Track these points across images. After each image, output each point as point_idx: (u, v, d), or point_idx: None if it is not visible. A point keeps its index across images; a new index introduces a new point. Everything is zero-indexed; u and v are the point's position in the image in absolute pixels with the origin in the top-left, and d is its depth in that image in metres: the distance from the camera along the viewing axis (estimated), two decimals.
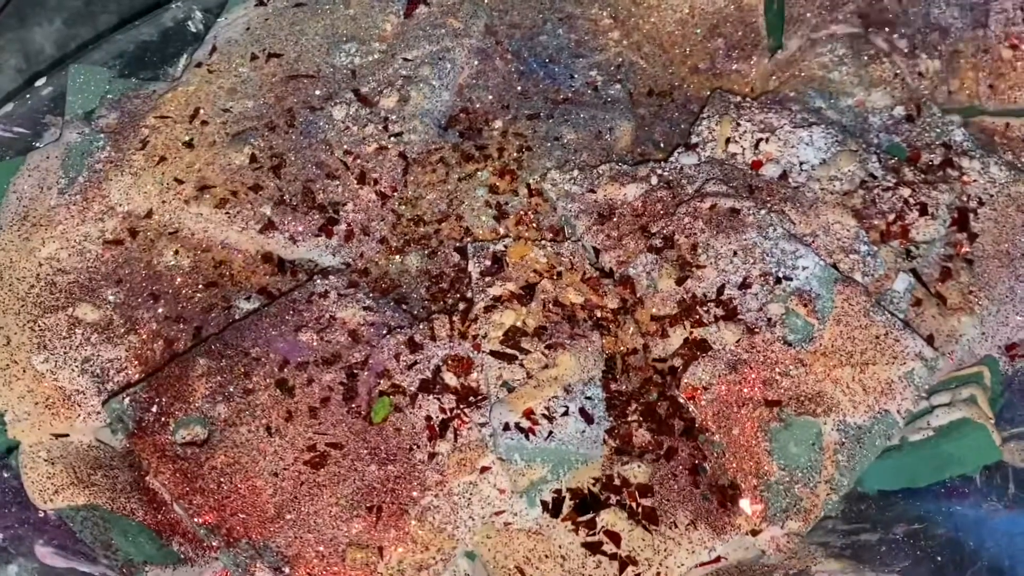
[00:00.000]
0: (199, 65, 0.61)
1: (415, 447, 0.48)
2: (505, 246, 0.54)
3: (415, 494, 0.47)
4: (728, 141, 0.59)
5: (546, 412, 0.48)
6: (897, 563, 0.49)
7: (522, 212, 0.58)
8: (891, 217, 0.56)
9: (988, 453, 0.51)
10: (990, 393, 0.53)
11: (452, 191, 0.59)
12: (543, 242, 0.55)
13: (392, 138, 0.59)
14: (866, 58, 0.62)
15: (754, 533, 0.49)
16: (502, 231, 0.57)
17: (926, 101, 0.61)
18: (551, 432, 0.48)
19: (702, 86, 0.65)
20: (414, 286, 0.56)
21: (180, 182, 0.56)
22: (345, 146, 0.58)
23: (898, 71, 0.62)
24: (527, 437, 0.47)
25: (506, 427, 0.48)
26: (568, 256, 0.54)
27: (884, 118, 0.61)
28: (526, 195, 0.58)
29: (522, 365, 0.50)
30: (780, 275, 0.52)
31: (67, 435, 0.51)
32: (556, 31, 0.66)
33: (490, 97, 0.62)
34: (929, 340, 0.53)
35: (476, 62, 0.63)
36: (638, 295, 0.54)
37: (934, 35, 0.64)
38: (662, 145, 0.63)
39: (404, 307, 0.55)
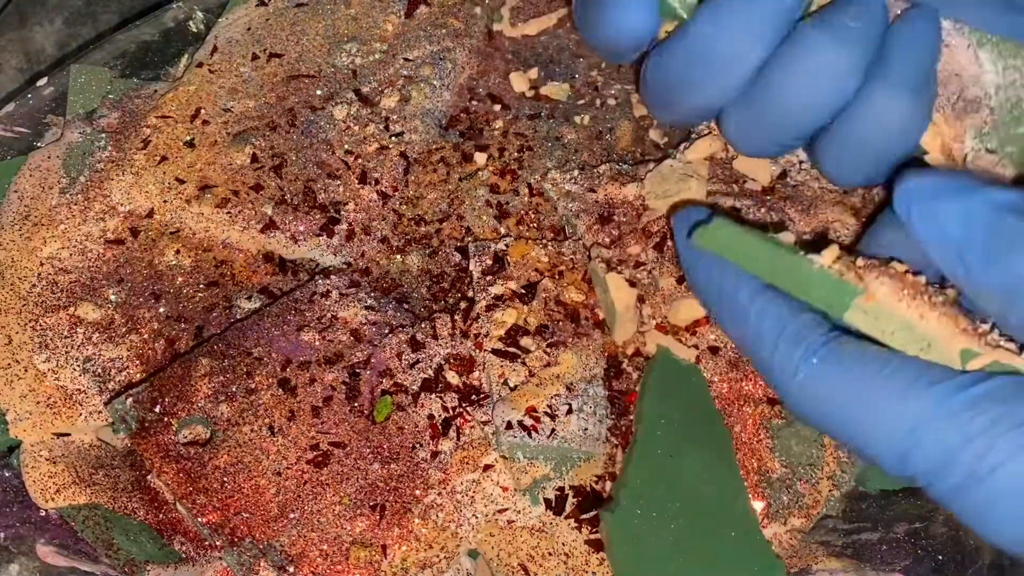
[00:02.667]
0: (200, 65, 0.61)
1: (418, 446, 0.48)
2: (506, 245, 0.54)
3: (418, 492, 0.47)
4: None
5: (548, 410, 0.48)
6: (898, 562, 0.49)
7: (523, 211, 0.58)
8: None
9: None
10: None
11: (453, 191, 0.59)
12: (544, 241, 0.55)
13: (393, 138, 0.59)
14: None
15: None
16: (503, 230, 0.57)
17: None
18: (553, 430, 0.48)
19: None
20: (415, 285, 0.56)
21: (181, 181, 0.56)
22: (346, 146, 0.59)
23: None
24: (529, 435, 0.47)
25: (508, 425, 0.48)
26: (569, 255, 0.54)
27: None
28: (527, 195, 0.58)
29: (524, 363, 0.50)
30: None
31: (68, 434, 0.51)
32: (556, 31, 0.66)
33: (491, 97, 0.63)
34: None
35: (477, 62, 0.63)
36: (639, 294, 0.54)
37: None
38: (662, 145, 0.63)
39: (406, 306, 0.55)
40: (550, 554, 0.47)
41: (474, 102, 0.62)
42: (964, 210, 0.36)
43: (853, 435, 0.38)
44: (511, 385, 0.49)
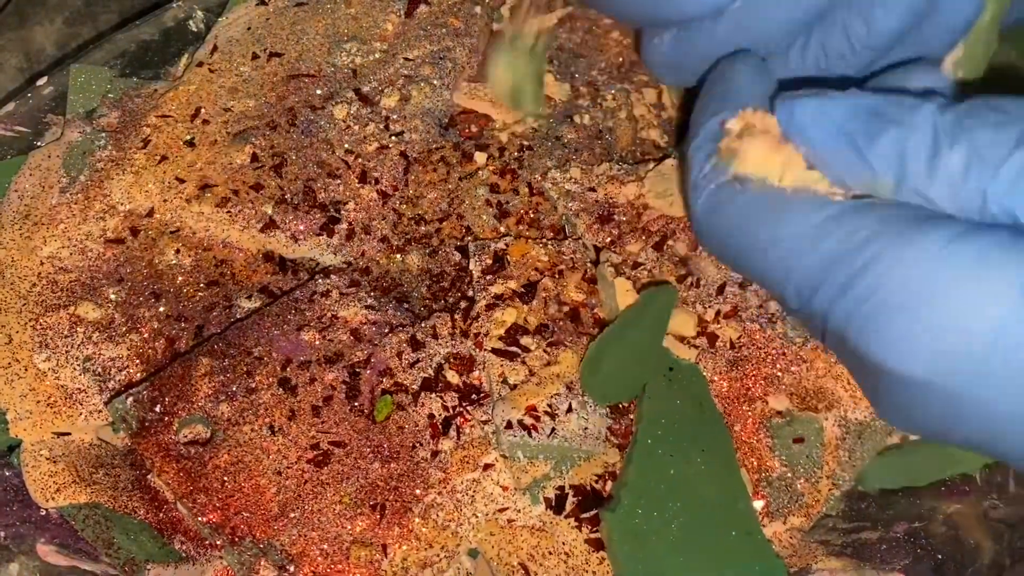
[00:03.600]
0: (200, 64, 0.61)
1: (418, 445, 0.48)
2: (506, 244, 0.54)
3: (418, 492, 0.47)
4: None
5: (548, 409, 0.48)
6: (898, 561, 0.49)
7: (523, 211, 0.58)
8: None
9: None
10: None
11: (453, 190, 0.59)
12: (544, 240, 0.55)
13: (393, 137, 0.59)
14: None
15: None
16: (503, 230, 0.57)
17: None
18: (553, 429, 0.48)
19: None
20: (415, 285, 0.56)
21: (181, 181, 0.56)
22: (346, 145, 0.59)
23: None
24: (530, 434, 0.47)
25: (509, 424, 0.48)
26: (569, 254, 0.54)
27: None
28: (527, 194, 0.58)
29: (524, 363, 0.50)
30: None
31: (69, 433, 0.51)
32: (556, 31, 0.66)
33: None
34: None
35: (477, 61, 0.63)
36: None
37: None
38: (662, 144, 0.63)
39: (406, 306, 0.55)
40: (550, 553, 0.47)
41: None
42: (846, 100, 0.39)
43: (747, 267, 0.43)
44: (511, 384, 0.49)
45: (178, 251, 0.55)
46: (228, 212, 0.55)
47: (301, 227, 0.56)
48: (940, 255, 0.35)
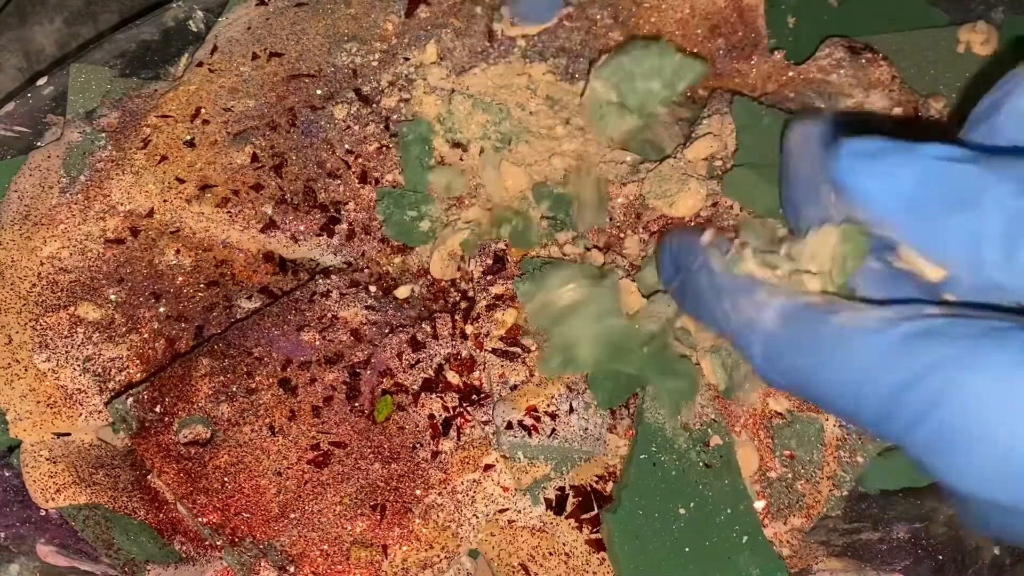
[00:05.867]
0: (200, 64, 0.61)
1: (418, 445, 0.48)
2: (506, 244, 0.54)
3: (419, 492, 0.47)
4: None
5: (549, 410, 0.48)
6: (898, 562, 0.49)
7: None
8: None
9: None
10: None
11: None
12: (545, 240, 0.55)
13: (393, 138, 0.59)
14: (864, 61, 0.63)
15: None
16: None
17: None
18: (554, 430, 0.48)
19: (703, 86, 0.65)
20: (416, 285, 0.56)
21: (181, 181, 0.56)
22: (346, 145, 0.59)
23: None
24: (530, 435, 0.47)
25: (509, 425, 0.48)
26: (570, 255, 0.54)
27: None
28: None
29: (524, 363, 0.50)
30: None
31: (68, 434, 0.51)
32: (556, 31, 0.66)
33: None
34: None
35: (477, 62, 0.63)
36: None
37: None
38: (662, 145, 0.63)
39: (406, 306, 0.55)
40: (551, 554, 0.47)
41: None
42: (915, 165, 0.35)
43: (820, 404, 0.38)
44: (511, 385, 0.49)
45: (178, 251, 0.55)
46: (228, 212, 0.55)
47: (301, 227, 0.56)
48: (1004, 380, 0.31)
